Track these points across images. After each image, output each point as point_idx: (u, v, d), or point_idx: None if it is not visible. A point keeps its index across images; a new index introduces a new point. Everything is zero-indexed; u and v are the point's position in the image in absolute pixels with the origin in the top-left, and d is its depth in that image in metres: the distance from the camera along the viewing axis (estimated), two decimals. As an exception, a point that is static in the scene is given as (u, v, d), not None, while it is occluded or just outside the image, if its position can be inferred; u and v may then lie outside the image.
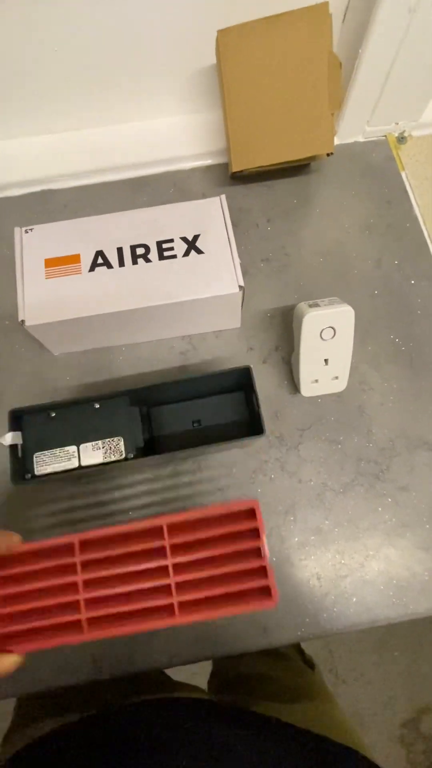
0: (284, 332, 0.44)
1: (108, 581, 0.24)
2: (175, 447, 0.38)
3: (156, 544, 0.24)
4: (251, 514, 0.24)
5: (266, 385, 0.42)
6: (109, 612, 0.24)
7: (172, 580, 0.24)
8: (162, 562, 0.24)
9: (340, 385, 0.39)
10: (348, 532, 0.38)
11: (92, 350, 0.44)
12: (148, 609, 0.24)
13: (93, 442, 0.32)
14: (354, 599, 0.37)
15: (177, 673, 0.53)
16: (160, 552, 0.24)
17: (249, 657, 0.52)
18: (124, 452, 0.32)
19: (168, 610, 0.24)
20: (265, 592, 0.24)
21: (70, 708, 0.37)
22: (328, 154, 0.44)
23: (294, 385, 0.42)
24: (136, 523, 0.24)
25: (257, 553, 0.24)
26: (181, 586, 0.24)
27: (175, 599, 0.24)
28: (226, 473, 0.40)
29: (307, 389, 0.39)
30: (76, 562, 0.24)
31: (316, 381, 0.39)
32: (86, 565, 0.24)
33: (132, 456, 0.31)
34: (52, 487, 0.39)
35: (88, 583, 0.24)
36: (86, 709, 0.37)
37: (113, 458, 0.31)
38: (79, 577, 0.24)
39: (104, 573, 0.24)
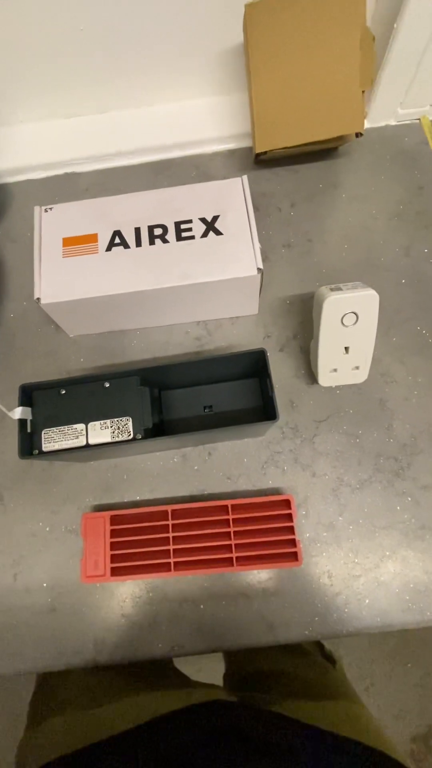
0: (303, 320, 0.42)
1: (189, 539, 0.35)
2: (185, 431, 0.37)
3: (223, 516, 0.36)
4: (287, 503, 0.36)
5: (282, 374, 0.41)
6: (189, 559, 0.35)
7: (233, 542, 0.35)
8: (226, 529, 0.35)
9: (361, 376, 0.37)
10: (363, 530, 0.36)
11: (107, 333, 0.43)
12: (214, 560, 0.35)
13: (101, 421, 0.31)
14: (367, 601, 0.35)
15: (182, 667, 0.53)
16: (224, 522, 0.36)
17: (266, 653, 0.51)
18: (132, 432, 0.31)
19: (228, 561, 0.35)
20: (294, 556, 0.35)
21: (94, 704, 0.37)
22: (357, 135, 0.42)
23: (311, 376, 0.40)
24: (210, 502, 0.36)
25: (290, 530, 0.36)
26: (238, 547, 0.35)
27: (234, 555, 0.35)
28: (236, 463, 0.39)
29: (325, 378, 0.37)
30: (168, 523, 0.35)
31: (335, 370, 0.37)
32: (175, 526, 0.35)
33: (140, 437, 0.31)
34: (60, 465, 0.39)
35: (176, 539, 0.35)
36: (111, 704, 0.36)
37: (121, 438, 0.31)
38: (170, 534, 0.35)
39: (187, 532, 0.35)
